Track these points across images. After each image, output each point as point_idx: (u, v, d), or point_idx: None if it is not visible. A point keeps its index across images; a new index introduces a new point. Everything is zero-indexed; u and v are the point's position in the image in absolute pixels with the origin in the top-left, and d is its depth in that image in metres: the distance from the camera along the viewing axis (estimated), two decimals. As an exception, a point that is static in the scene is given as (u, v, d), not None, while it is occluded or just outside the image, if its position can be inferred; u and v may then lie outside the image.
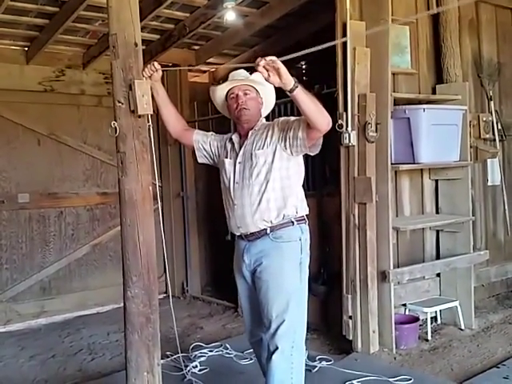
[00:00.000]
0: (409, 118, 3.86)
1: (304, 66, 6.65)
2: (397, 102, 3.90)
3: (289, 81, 2.24)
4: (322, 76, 4.45)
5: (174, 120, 2.83)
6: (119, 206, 2.40)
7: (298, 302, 2.53)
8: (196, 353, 3.78)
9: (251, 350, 3.73)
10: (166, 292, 5.90)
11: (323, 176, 4.40)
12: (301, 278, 2.55)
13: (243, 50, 5.88)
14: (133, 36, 2.36)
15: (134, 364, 2.39)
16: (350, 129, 3.72)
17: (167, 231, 5.93)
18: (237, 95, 2.62)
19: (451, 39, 4.35)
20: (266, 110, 2.80)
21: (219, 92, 2.72)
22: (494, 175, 4.90)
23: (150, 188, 2.42)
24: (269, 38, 5.49)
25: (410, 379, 3.20)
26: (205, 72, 6.55)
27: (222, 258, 5.71)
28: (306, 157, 4.32)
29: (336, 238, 4.02)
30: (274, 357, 2.44)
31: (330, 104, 3.93)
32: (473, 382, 3.21)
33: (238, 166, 2.62)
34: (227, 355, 3.77)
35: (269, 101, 2.77)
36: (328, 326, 4.22)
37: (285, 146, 2.52)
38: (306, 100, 2.29)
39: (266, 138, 2.58)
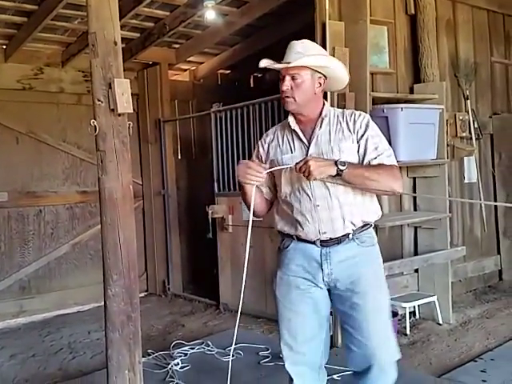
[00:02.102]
0: (387, 117, 3.92)
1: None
2: (375, 101, 3.96)
3: (328, 171, 2.03)
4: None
5: (264, 209, 2.39)
6: (99, 204, 2.40)
7: (388, 309, 2.27)
8: (177, 350, 3.78)
9: (233, 347, 3.76)
10: (147, 290, 5.94)
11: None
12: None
13: (224, 49, 5.90)
14: (112, 34, 2.35)
15: (115, 362, 2.39)
16: (329, 127, 3.75)
17: (148, 229, 5.93)
18: (283, 77, 2.16)
19: (429, 39, 4.42)
20: (337, 85, 2.32)
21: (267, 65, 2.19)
22: (471, 173, 5.00)
23: (131, 187, 2.42)
24: (249, 37, 5.52)
25: None
26: (186, 70, 6.56)
27: (203, 255, 5.74)
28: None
29: (316, 236, 4.06)
30: (381, 380, 2.20)
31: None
32: (451, 375, 3.27)
33: None
34: (209, 352, 3.78)
35: (339, 77, 2.26)
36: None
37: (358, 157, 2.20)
38: (356, 182, 2.08)
39: (345, 130, 2.19)
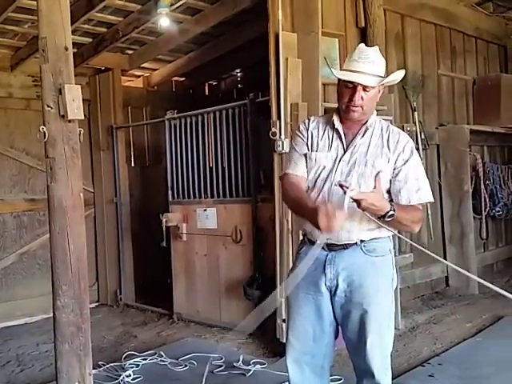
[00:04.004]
0: (338, 128, 3.99)
1: (239, 74, 6.74)
2: (327, 111, 4.02)
3: (374, 212, 2.03)
4: (257, 84, 4.52)
5: None
6: (48, 212, 2.36)
7: (390, 324, 2.27)
8: (129, 361, 3.71)
9: (187, 357, 3.74)
10: (98, 300, 5.82)
11: (258, 182, 4.46)
12: (393, 297, 2.27)
13: (178, 56, 5.88)
14: (63, 40, 2.33)
15: (65, 374, 2.34)
16: (283, 136, 3.82)
17: (100, 238, 5.81)
18: (354, 87, 2.10)
19: (378, 52, 4.54)
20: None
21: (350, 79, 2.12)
22: (418, 182, 5.13)
23: (81, 194, 2.38)
24: (204, 45, 5.51)
25: (341, 379, 3.29)
26: (139, 76, 6.50)
27: (156, 265, 5.67)
28: (241, 162, 4.44)
29: (270, 243, 4.09)
30: None
31: (264, 112, 4.04)
32: (400, 380, 3.32)
33: (341, 164, 2.17)
34: (161, 363, 3.72)
35: (391, 82, 2.30)
36: (263, 329, 4.26)
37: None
38: (389, 224, 2.08)
39: (384, 147, 2.18)
